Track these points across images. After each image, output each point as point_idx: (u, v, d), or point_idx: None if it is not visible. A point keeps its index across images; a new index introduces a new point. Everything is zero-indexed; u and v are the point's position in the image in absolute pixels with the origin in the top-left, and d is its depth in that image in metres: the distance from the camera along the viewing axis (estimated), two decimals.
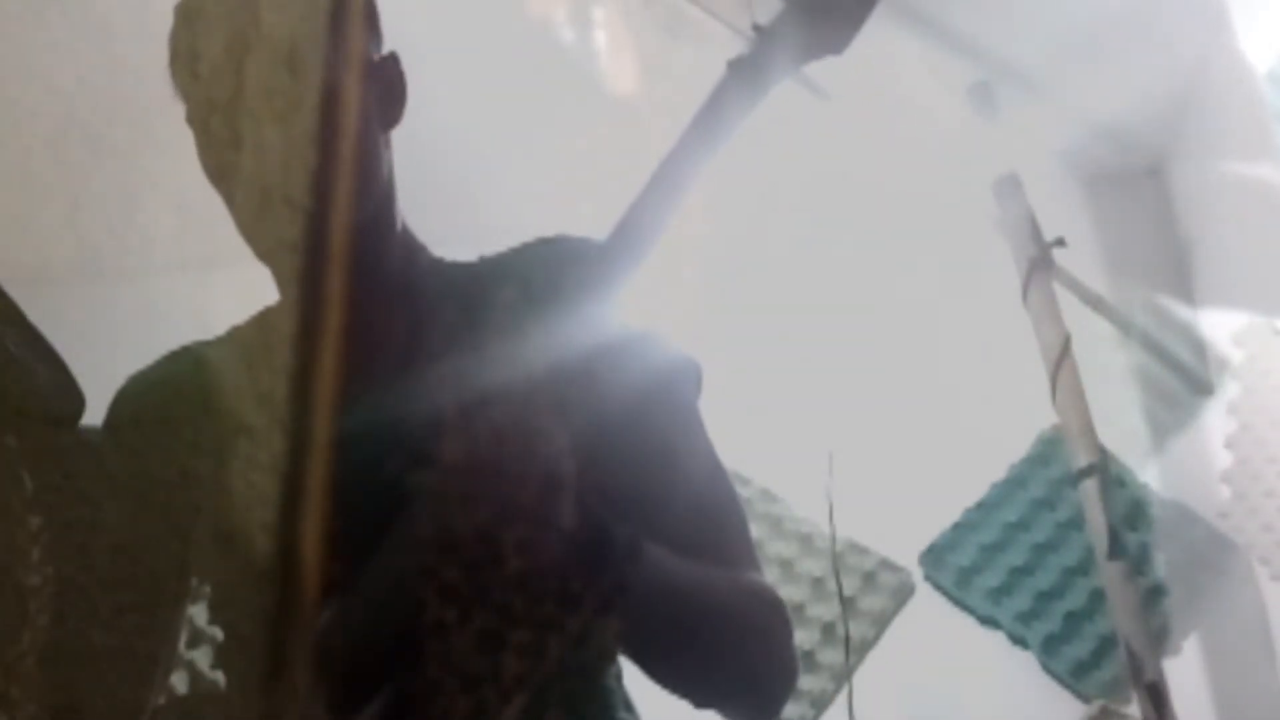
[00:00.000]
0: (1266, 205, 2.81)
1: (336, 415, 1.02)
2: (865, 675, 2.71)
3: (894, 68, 2.64)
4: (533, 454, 1.15)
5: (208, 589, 1.41)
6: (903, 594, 2.93)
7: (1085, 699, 2.81)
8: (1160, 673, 2.49)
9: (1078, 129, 3.10)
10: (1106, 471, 2.66)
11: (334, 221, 0.93)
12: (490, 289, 1.30)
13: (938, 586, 2.95)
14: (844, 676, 2.64)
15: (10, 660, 1.37)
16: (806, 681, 2.79)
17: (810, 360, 2.93)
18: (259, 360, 1.37)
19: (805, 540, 2.95)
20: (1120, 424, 2.89)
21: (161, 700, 1.42)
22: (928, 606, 2.93)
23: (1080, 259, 2.90)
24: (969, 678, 2.79)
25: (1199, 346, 3.07)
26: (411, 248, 1.42)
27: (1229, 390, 2.98)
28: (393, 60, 1.41)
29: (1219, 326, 3.03)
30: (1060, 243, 2.81)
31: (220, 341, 1.46)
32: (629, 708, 1.36)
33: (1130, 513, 2.89)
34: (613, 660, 1.34)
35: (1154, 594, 2.84)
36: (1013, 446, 3.04)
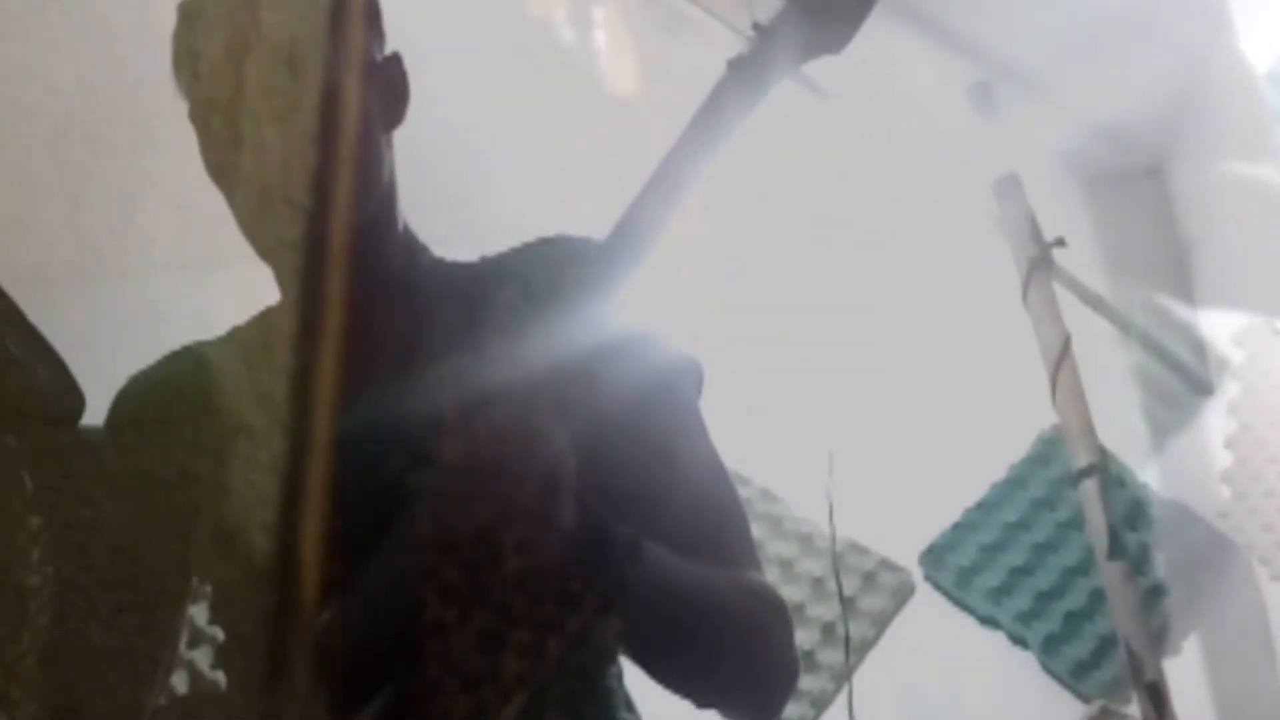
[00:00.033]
0: (1266, 205, 2.81)
1: (336, 415, 1.02)
2: (865, 675, 2.71)
3: (894, 68, 2.64)
4: (533, 454, 1.15)
5: (208, 589, 1.41)
6: (903, 594, 2.93)
7: (1085, 699, 2.81)
8: (1160, 673, 2.49)
9: (1078, 129, 3.10)
10: (1106, 471, 2.66)
11: (334, 221, 0.93)
12: (490, 289, 1.30)
13: (938, 586, 2.95)
14: (844, 676, 2.64)
15: (10, 660, 1.37)
16: (806, 681, 2.79)
17: (810, 360, 2.93)
18: (259, 360, 1.37)
19: (805, 540, 2.95)
20: (1120, 424, 2.89)
21: (162, 701, 1.42)
22: (928, 606, 2.93)
23: (1080, 259, 2.90)
24: (969, 678, 2.79)
25: (1199, 346, 3.07)
26: (413, 248, 1.42)
27: (1229, 390, 2.98)
28: (396, 61, 1.41)
29: (1219, 326, 3.03)
30: (1060, 243, 2.81)
31: (221, 341, 1.46)
32: (630, 707, 1.36)
33: (1130, 513, 2.89)
34: (613, 660, 1.34)
35: (1154, 594, 2.84)
36: (1013, 446, 3.04)
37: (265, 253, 1.34)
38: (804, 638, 2.82)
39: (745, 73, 1.33)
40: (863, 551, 2.93)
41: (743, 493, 1.47)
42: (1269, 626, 2.85)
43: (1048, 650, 2.84)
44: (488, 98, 2.80)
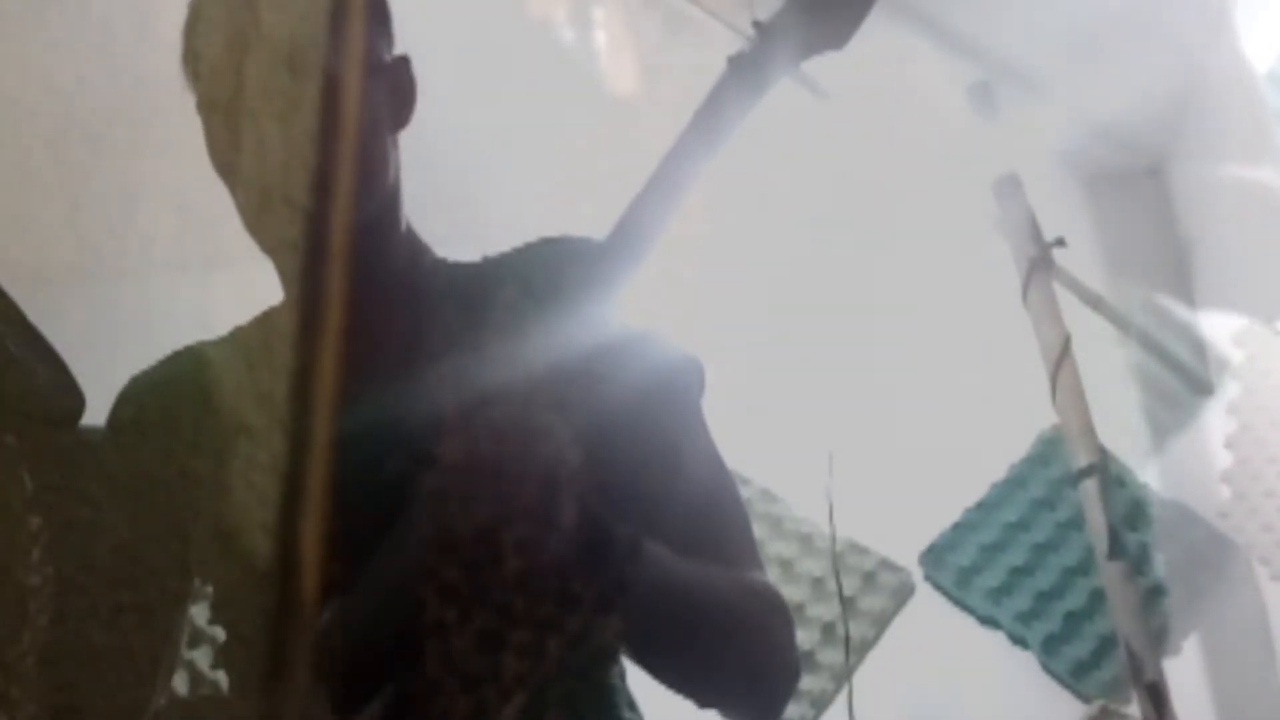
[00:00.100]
0: (1266, 205, 2.81)
1: (337, 415, 1.02)
2: (865, 675, 2.71)
3: (894, 67, 2.64)
4: (533, 454, 1.15)
5: (209, 589, 1.41)
6: (903, 594, 2.93)
7: (1085, 699, 2.81)
8: (1160, 673, 2.48)
9: (1078, 129, 3.10)
10: (1106, 471, 2.66)
11: (335, 221, 0.93)
12: (491, 289, 1.30)
13: (938, 586, 2.95)
14: (844, 676, 2.64)
15: (10, 660, 1.37)
16: (806, 681, 2.79)
17: (810, 360, 2.93)
18: (259, 360, 1.37)
19: (805, 540, 2.95)
20: (1120, 424, 2.89)
21: (163, 702, 1.42)
22: (928, 606, 2.93)
23: (1080, 259, 2.89)
24: (969, 678, 2.79)
25: (1199, 346, 3.07)
26: (416, 248, 1.42)
27: (1229, 390, 2.98)
28: (404, 63, 1.41)
29: (1219, 326, 3.03)
30: (1060, 243, 2.81)
31: (223, 341, 1.46)
32: (632, 707, 1.36)
33: (1130, 513, 2.89)
34: (615, 659, 1.34)
35: (1154, 594, 2.84)
36: (1013, 446, 3.04)
37: (268, 251, 1.35)
38: (804, 638, 2.81)
39: (745, 70, 1.33)
40: (863, 551, 2.93)
41: (743, 493, 1.47)
42: (1269, 626, 2.85)
43: (1048, 650, 2.84)
44: (488, 98, 2.80)
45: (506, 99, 2.82)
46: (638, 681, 1.35)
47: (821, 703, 2.80)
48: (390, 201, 1.38)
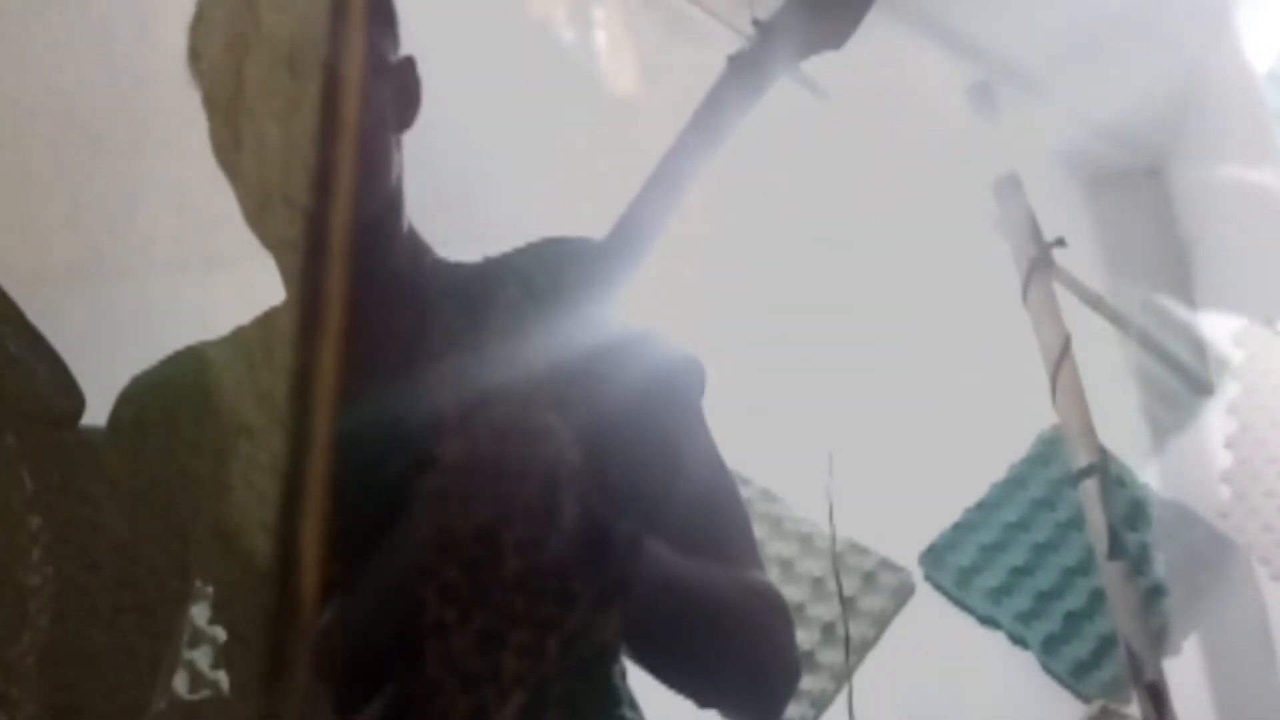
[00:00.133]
0: (1266, 205, 2.81)
1: (337, 415, 1.02)
2: (865, 675, 2.71)
3: (894, 67, 2.64)
4: (533, 454, 1.15)
5: (209, 589, 1.41)
6: (903, 594, 2.93)
7: (1085, 699, 2.81)
8: (1160, 673, 2.48)
9: (1078, 129, 3.10)
10: (1106, 471, 2.66)
11: (335, 221, 0.93)
12: (492, 289, 1.30)
13: (938, 586, 2.95)
14: (844, 676, 2.64)
15: (10, 660, 1.37)
16: (806, 681, 2.79)
17: (810, 360, 2.93)
18: (260, 360, 1.37)
19: (805, 540, 2.95)
20: (1120, 424, 2.89)
21: (163, 705, 1.42)
22: (928, 606, 2.93)
23: (1080, 259, 2.89)
24: (969, 678, 2.79)
25: (1199, 346, 3.07)
26: (417, 249, 1.42)
27: (1229, 390, 2.98)
28: (409, 64, 1.41)
29: (1219, 326, 3.03)
30: (1060, 243, 2.81)
31: (224, 341, 1.46)
32: (633, 706, 1.36)
33: (1130, 513, 2.89)
34: (615, 658, 1.34)
35: (1154, 594, 2.84)
36: (1013, 446, 3.04)
37: (271, 249, 1.35)
38: (804, 638, 2.81)
39: (745, 69, 1.33)
40: (863, 551, 2.93)
41: (743, 493, 1.47)
42: (1269, 626, 2.85)
43: (1048, 650, 2.84)
44: (488, 98, 2.80)
45: (506, 99, 2.82)
46: (638, 681, 1.35)
47: (821, 703, 2.80)
48: (393, 202, 1.38)
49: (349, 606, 1.21)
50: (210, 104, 1.36)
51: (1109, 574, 2.60)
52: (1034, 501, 3.01)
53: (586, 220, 1.38)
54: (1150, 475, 2.99)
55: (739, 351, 2.66)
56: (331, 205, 0.93)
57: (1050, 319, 2.75)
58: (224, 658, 1.39)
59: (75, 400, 1.46)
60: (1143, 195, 3.22)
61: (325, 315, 0.93)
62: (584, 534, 1.17)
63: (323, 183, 0.94)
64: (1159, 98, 3.03)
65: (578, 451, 1.16)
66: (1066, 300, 2.81)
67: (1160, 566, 2.90)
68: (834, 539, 2.58)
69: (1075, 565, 2.89)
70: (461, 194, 2.68)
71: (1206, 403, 3.02)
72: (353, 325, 1.11)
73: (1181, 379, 3.03)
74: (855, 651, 2.77)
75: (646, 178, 1.29)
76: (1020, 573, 2.93)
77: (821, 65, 1.38)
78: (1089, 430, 2.66)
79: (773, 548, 2.91)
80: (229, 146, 1.35)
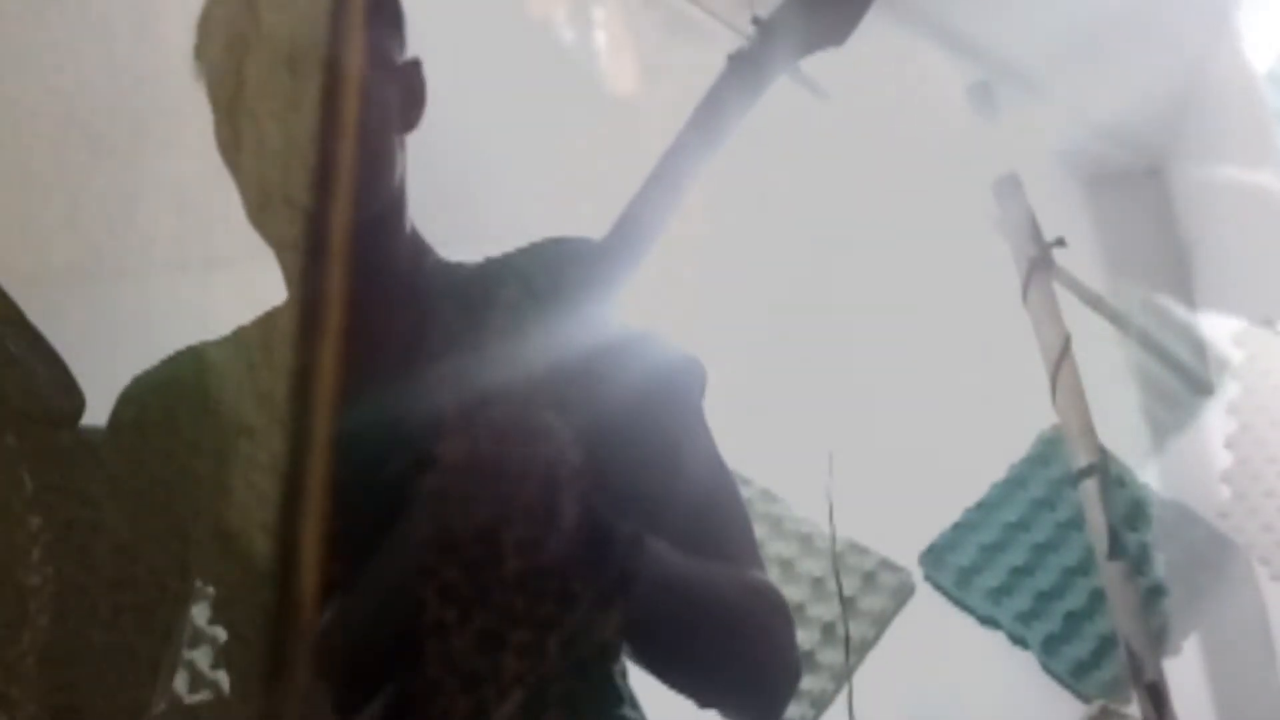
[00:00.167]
0: (1266, 205, 2.81)
1: (337, 415, 1.02)
2: (865, 675, 2.71)
3: (894, 67, 2.64)
4: (533, 454, 1.15)
5: (209, 589, 1.41)
6: (903, 594, 2.94)
7: (1085, 699, 2.81)
8: (1160, 673, 2.49)
9: (1078, 129, 3.10)
10: (1106, 471, 2.66)
11: (335, 221, 0.93)
12: (492, 289, 1.30)
13: (938, 586, 2.95)
14: (844, 676, 2.64)
15: (10, 660, 1.37)
16: (806, 681, 2.79)
17: (810, 360, 2.93)
18: (260, 360, 1.37)
19: (805, 540, 2.95)
20: (1120, 424, 2.89)
21: (163, 705, 1.42)
22: (928, 606, 2.93)
23: (1080, 259, 2.90)
24: (969, 678, 2.79)
25: (1199, 346, 3.07)
26: (419, 249, 1.42)
27: (1229, 390, 2.98)
28: (415, 66, 1.41)
29: (1219, 326, 3.03)
30: (1060, 243, 2.81)
31: (224, 341, 1.46)
32: (634, 705, 1.36)
33: (1130, 513, 2.89)
34: (615, 657, 1.34)
35: (1154, 594, 2.84)
36: (1013, 446, 3.04)
37: (273, 248, 1.35)
38: (804, 638, 2.81)
39: (745, 68, 1.33)
40: (863, 551, 2.93)
41: (743, 493, 1.47)
42: (1269, 626, 2.85)
43: (1048, 650, 2.84)
44: (488, 98, 2.80)
45: (506, 99, 2.82)
46: (638, 681, 1.35)
47: (821, 703, 2.80)
48: (396, 202, 1.38)
49: (349, 606, 1.21)
50: (212, 103, 1.36)
51: (1109, 574, 2.60)
52: (1034, 501, 3.01)
53: (586, 220, 1.38)
54: (1150, 475, 3.00)
55: (739, 351, 2.66)
56: (331, 205, 0.93)
57: (1050, 319, 2.76)
58: (224, 658, 1.39)
59: (75, 400, 1.46)
60: (1143, 195, 3.23)
61: (325, 315, 0.93)
62: (584, 534, 1.17)
63: (323, 183, 0.95)
64: (1159, 98, 3.03)
65: (578, 451, 1.16)
66: (1066, 300, 2.82)
67: (1160, 566, 2.90)
68: (834, 539, 2.58)
69: (1075, 565, 2.90)
70: (462, 194, 2.68)
71: (1206, 403, 3.03)
72: (353, 325, 1.11)
73: (1181, 379, 3.03)
74: (855, 651, 2.77)
75: (646, 177, 1.29)
76: (1020, 573, 2.93)
77: (821, 65, 1.38)
78: (1089, 430, 2.67)
79: (773, 548, 2.91)
80: (230, 146, 1.35)
